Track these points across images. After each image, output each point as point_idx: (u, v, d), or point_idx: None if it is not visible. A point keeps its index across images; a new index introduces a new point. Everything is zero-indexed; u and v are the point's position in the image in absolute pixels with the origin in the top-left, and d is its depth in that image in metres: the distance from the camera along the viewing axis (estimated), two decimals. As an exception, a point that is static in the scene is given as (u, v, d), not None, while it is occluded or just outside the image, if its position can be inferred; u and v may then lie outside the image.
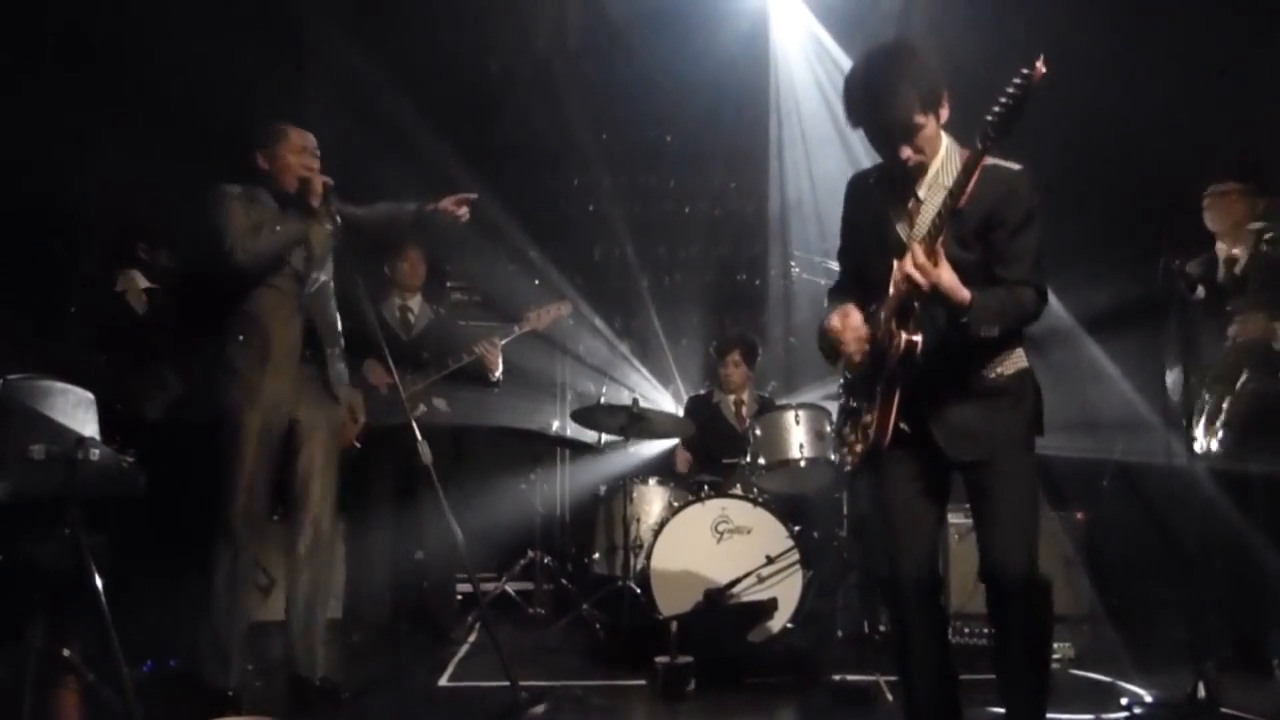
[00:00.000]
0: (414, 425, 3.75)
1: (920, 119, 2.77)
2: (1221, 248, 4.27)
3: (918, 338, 2.79)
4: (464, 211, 4.08)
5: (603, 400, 6.07)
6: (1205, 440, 4.15)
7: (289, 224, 3.84)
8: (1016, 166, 2.86)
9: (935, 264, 2.69)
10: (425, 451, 3.68)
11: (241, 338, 3.85)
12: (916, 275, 2.69)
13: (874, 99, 2.79)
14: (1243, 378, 4.12)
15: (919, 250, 2.71)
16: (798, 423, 5.37)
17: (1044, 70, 2.47)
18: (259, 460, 3.81)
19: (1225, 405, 4.13)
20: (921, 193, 2.86)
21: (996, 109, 2.53)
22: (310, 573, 3.96)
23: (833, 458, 5.31)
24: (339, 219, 3.83)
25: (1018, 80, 2.50)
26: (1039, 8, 6.57)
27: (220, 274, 3.86)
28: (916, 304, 2.79)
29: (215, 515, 3.80)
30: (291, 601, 3.98)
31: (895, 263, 2.80)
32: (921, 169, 2.85)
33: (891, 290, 2.82)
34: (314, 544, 3.95)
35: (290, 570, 4.00)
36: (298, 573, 3.96)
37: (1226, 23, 6.01)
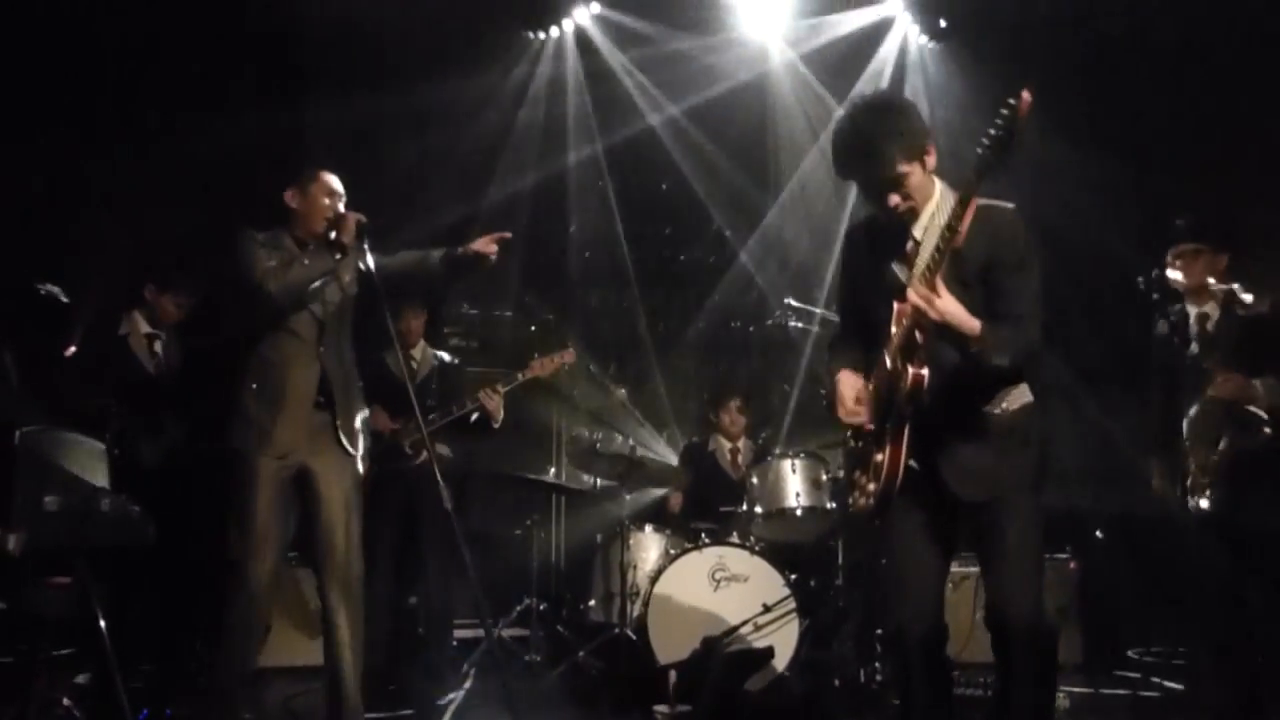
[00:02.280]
0: (436, 470, 3.70)
1: (904, 168, 2.86)
2: (1191, 306, 4.32)
3: (924, 371, 2.82)
4: (494, 250, 4.02)
5: (598, 446, 6.09)
6: (1195, 499, 4.16)
7: (318, 257, 3.79)
8: (1009, 206, 2.93)
9: (938, 295, 2.75)
10: (446, 495, 3.64)
11: (255, 385, 3.79)
12: (924, 306, 2.74)
13: (858, 154, 2.89)
14: (1225, 437, 4.12)
15: (920, 285, 2.77)
16: (794, 471, 5.42)
17: (1030, 100, 2.54)
18: (272, 506, 3.73)
19: (1207, 464, 4.13)
20: (918, 234, 2.93)
21: (986, 141, 2.60)
22: (348, 621, 3.82)
23: (830, 505, 5.35)
24: (369, 260, 3.77)
25: (1004, 112, 2.57)
26: (1025, 58, 6.71)
27: (244, 313, 3.84)
28: (920, 340, 2.83)
29: (226, 562, 3.69)
30: (335, 653, 3.81)
31: (896, 304, 2.86)
32: (914, 214, 2.92)
33: (894, 329, 2.87)
34: (345, 592, 3.82)
35: (327, 621, 3.83)
36: (335, 624, 3.81)
37: (1208, 76, 6.17)
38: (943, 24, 7.31)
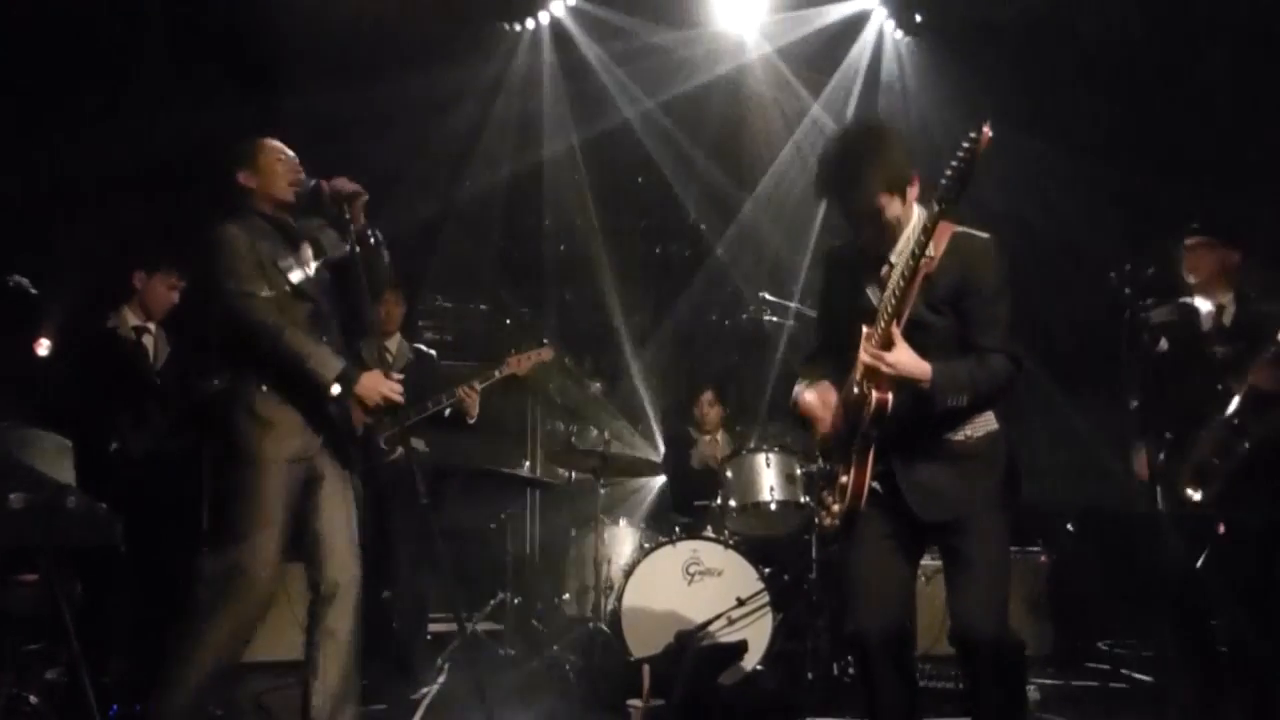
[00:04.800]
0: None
1: (884, 201, 2.87)
2: (1201, 298, 4.31)
3: (888, 396, 2.84)
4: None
5: (573, 440, 6.08)
6: (1192, 491, 4.15)
7: (320, 350, 3.51)
8: (985, 235, 2.95)
9: (891, 345, 2.78)
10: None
11: (265, 387, 3.52)
12: (875, 364, 2.79)
13: (840, 183, 2.90)
14: (1251, 428, 4.11)
15: (875, 335, 2.82)
16: (769, 465, 5.43)
17: (990, 134, 2.57)
18: (284, 513, 3.50)
19: (1224, 454, 4.12)
20: (892, 258, 2.95)
21: (948, 172, 2.64)
22: (341, 625, 3.61)
23: (804, 500, 5.37)
24: (377, 235, 3.62)
25: (965, 144, 2.61)
26: (1000, 53, 6.74)
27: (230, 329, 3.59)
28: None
29: (227, 568, 3.44)
30: (317, 655, 3.60)
31: (865, 327, 2.88)
32: (892, 239, 2.94)
33: (862, 353, 2.88)
34: (342, 593, 3.61)
35: (315, 621, 3.61)
36: (326, 626, 3.59)
37: (1191, 70, 6.21)
38: (918, 19, 7.33)
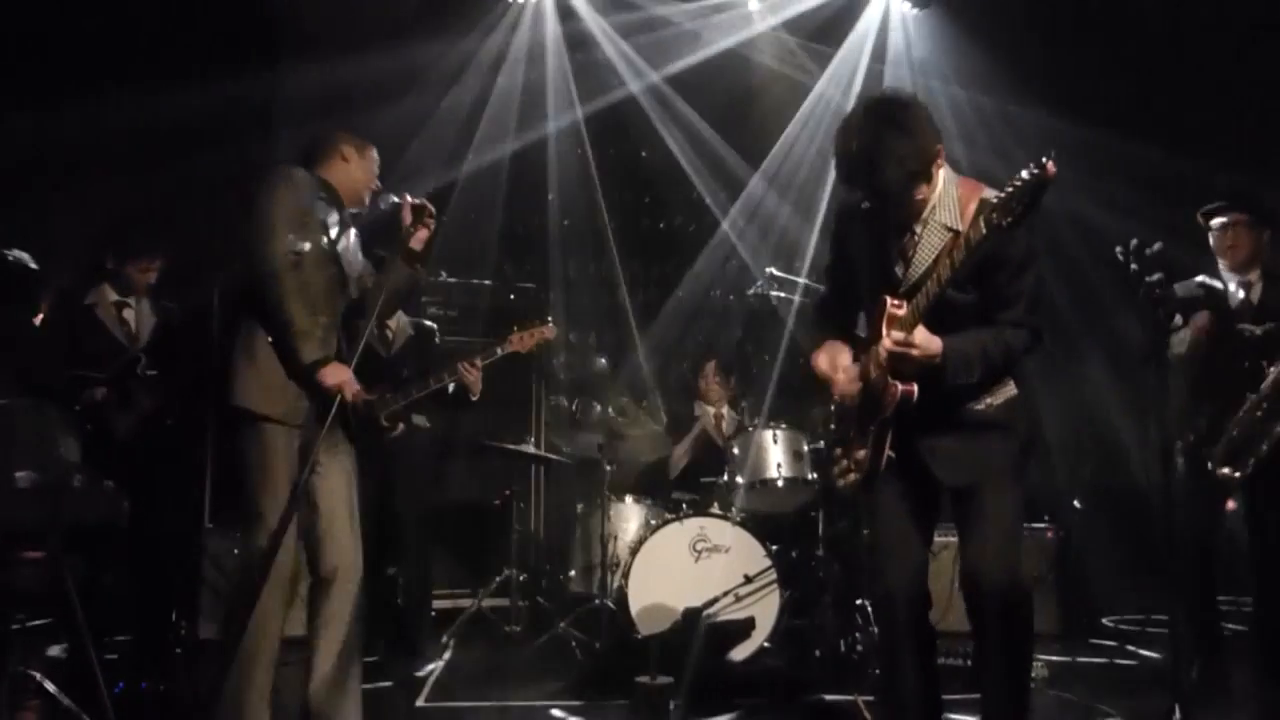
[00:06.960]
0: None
1: (912, 190, 2.79)
2: (1229, 275, 4.25)
3: (913, 388, 2.82)
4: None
5: (578, 416, 6.04)
6: (1228, 470, 4.10)
7: (317, 337, 3.42)
8: None
9: (914, 338, 2.75)
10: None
11: (270, 339, 3.41)
12: (903, 353, 2.76)
13: (866, 177, 2.78)
14: None
15: (893, 331, 2.78)
16: (776, 442, 5.40)
17: (1054, 171, 2.39)
18: (288, 480, 3.41)
19: (1258, 434, 4.01)
20: (918, 229, 2.88)
21: (1001, 198, 2.48)
22: (337, 607, 3.56)
23: (811, 476, 5.34)
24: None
25: (1026, 177, 2.43)
26: (1007, 25, 6.68)
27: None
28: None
29: (247, 548, 3.40)
30: (317, 632, 3.57)
31: (888, 298, 2.84)
32: (920, 210, 2.87)
33: (884, 328, 2.84)
34: (341, 577, 3.55)
35: (315, 603, 3.57)
36: (324, 609, 3.55)
37: (1208, 43, 6.16)
38: (925, -8, 7.27)
